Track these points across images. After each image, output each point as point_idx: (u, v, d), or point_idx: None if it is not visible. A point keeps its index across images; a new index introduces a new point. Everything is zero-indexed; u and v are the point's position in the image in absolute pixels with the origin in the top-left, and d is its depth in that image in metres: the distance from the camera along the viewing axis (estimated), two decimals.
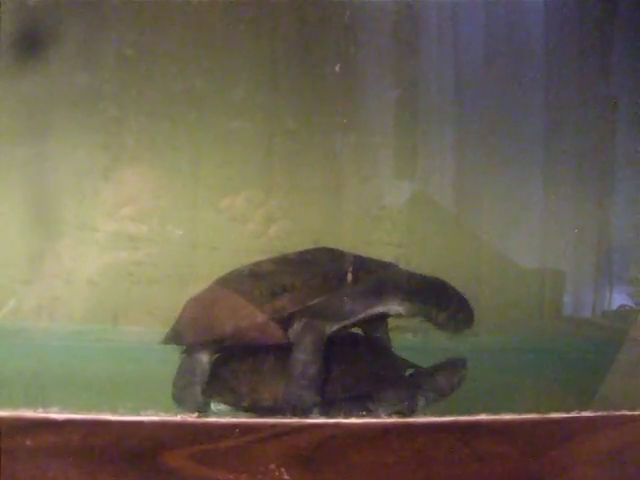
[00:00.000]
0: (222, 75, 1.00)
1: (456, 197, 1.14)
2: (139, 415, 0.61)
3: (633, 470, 0.71)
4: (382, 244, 0.98)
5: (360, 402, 0.77)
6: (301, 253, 0.82)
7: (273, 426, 0.61)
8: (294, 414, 0.71)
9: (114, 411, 0.61)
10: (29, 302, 0.99)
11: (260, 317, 0.75)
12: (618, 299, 1.17)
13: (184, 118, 0.98)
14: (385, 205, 1.06)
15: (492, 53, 1.14)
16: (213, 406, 0.77)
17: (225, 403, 0.77)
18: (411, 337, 0.92)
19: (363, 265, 0.80)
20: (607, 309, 1.18)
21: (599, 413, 0.70)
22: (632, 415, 0.71)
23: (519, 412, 0.67)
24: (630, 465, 0.70)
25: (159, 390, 0.80)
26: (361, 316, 0.77)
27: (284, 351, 0.75)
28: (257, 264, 0.81)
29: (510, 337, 1.03)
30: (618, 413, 0.71)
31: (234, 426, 0.61)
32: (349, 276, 0.78)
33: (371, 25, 1.03)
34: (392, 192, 1.10)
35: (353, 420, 0.63)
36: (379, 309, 0.78)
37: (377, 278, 0.79)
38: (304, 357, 0.73)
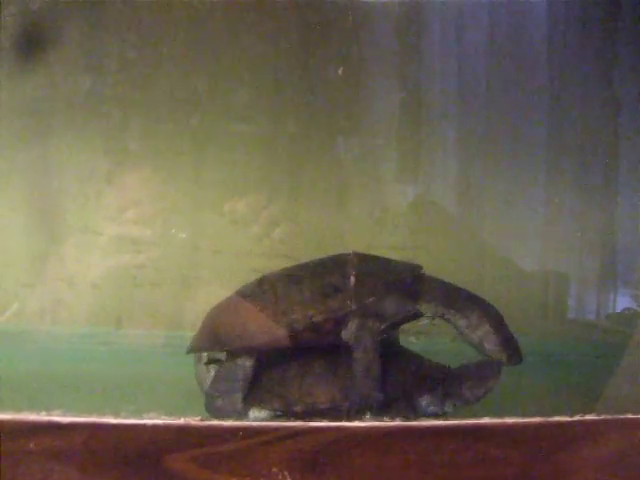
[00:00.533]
0: (225, 78, 1.00)
1: (459, 200, 1.13)
2: (141, 418, 0.61)
3: (637, 474, 0.70)
4: (385, 247, 0.98)
5: (409, 402, 0.78)
6: (334, 257, 0.82)
7: (276, 429, 0.61)
8: (359, 413, 0.71)
9: (117, 414, 0.61)
10: (33, 305, 0.99)
11: (314, 318, 0.75)
12: (622, 302, 1.17)
13: (187, 122, 0.98)
14: (388, 208, 1.06)
15: (495, 55, 1.14)
16: (252, 414, 0.76)
17: (272, 410, 0.76)
18: (414, 340, 0.93)
19: (398, 267, 0.82)
20: (611, 312, 1.18)
21: (603, 417, 0.70)
22: (636, 418, 0.71)
23: (523, 416, 0.67)
24: (634, 468, 0.70)
25: (162, 393, 0.80)
26: (404, 315, 0.80)
27: (334, 352, 0.76)
28: (289, 268, 0.82)
29: None
30: (622, 417, 0.71)
31: (237, 429, 0.60)
32: (392, 278, 0.79)
33: (374, 27, 1.03)
34: (395, 195, 1.10)
35: (356, 424, 0.63)
36: (417, 309, 0.80)
37: (414, 280, 0.81)
38: (366, 357, 0.74)
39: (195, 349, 0.80)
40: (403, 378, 0.79)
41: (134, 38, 0.96)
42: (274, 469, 0.61)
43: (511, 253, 1.13)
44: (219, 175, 1.02)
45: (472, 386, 0.79)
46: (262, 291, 0.79)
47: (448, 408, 0.79)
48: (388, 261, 0.83)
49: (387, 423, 0.64)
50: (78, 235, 1.00)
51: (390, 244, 1.01)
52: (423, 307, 0.80)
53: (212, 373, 0.80)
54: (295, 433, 0.61)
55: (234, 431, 0.60)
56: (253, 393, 0.77)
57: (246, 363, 0.77)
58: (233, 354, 0.78)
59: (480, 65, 1.14)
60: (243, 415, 0.76)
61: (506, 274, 1.10)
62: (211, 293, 0.91)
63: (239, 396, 0.76)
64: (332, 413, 0.73)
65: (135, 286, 0.98)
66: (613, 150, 1.17)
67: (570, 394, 0.92)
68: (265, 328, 0.76)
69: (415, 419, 0.70)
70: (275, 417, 0.76)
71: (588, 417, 0.70)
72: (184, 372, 0.82)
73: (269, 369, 0.79)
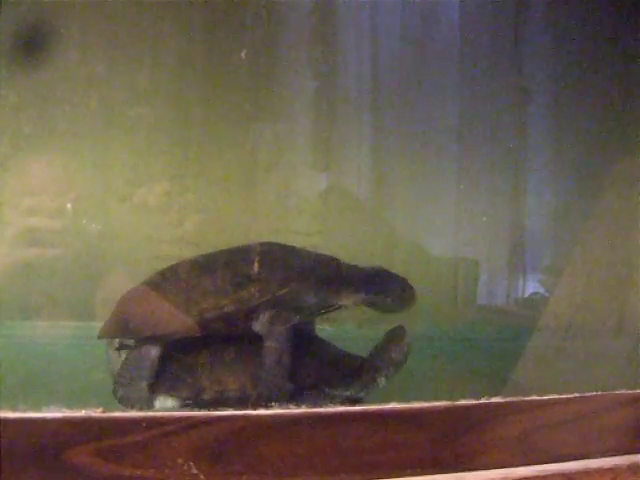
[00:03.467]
0: (128, 60, 0.98)
1: (368, 187, 1.14)
2: (41, 412, 0.59)
3: (542, 453, 0.72)
4: (289, 232, 0.98)
5: (321, 391, 0.78)
6: (247, 247, 0.81)
7: (180, 419, 0.60)
8: (269, 402, 0.70)
9: (14, 408, 0.59)
10: None
11: (226, 308, 0.75)
12: (530, 287, 1.19)
13: (86, 104, 0.95)
14: (295, 194, 1.06)
15: (408, 45, 1.15)
16: (159, 403, 0.75)
17: (180, 398, 0.76)
18: (327, 327, 0.93)
19: (314, 258, 0.82)
20: (519, 297, 1.21)
21: (509, 399, 0.71)
22: (541, 400, 0.73)
23: (429, 400, 0.68)
24: (538, 448, 0.72)
25: (64, 385, 0.77)
26: (320, 307, 0.80)
27: (243, 341, 0.76)
28: (204, 256, 0.81)
29: (424, 325, 1.04)
30: (528, 398, 0.73)
31: (140, 420, 0.59)
32: (308, 269, 0.79)
33: (284, 10, 1.03)
34: (303, 182, 1.09)
35: (262, 412, 0.62)
36: (335, 300, 0.80)
37: (332, 271, 0.81)
38: (277, 346, 0.74)
39: (104, 335, 0.79)
40: (318, 367, 0.80)
41: (33, 16, 0.92)
42: (179, 460, 0.59)
43: (421, 239, 1.14)
44: (122, 161, 1.00)
45: (397, 346, 0.81)
46: (174, 279, 0.78)
47: (381, 381, 0.80)
48: (303, 252, 0.82)
49: (293, 410, 0.64)
50: None
51: (295, 229, 1.00)
52: (344, 298, 0.81)
53: (122, 358, 0.78)
54: (200, 423, 0.60)
55: (137, 422, 0.59)
56: (161, 382, 0.76)
57: (152, 351, 0.76)
58: (141, 342, 0.77)
59: (392, 53, 1.15)
60: (149, 404, 0.75)
61: (416, 259, 1.11)
62: (116, 282, 0.89)
63: (145, 384, 0.75)
64: (241, 401, 0.73)
65: (36, 276, 0.95)
66: (521, 139, 1.19)
67: (478, 377, 0.94)
68: (175, 317, 0.76)
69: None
70: (183, 406, 0.75)
71: (494, 400, 0.71)
72: (88, 363, 0.80)
73: (178, 358, 0.78)
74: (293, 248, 0.82)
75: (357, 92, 1.13)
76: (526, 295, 1.20)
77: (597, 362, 0.96)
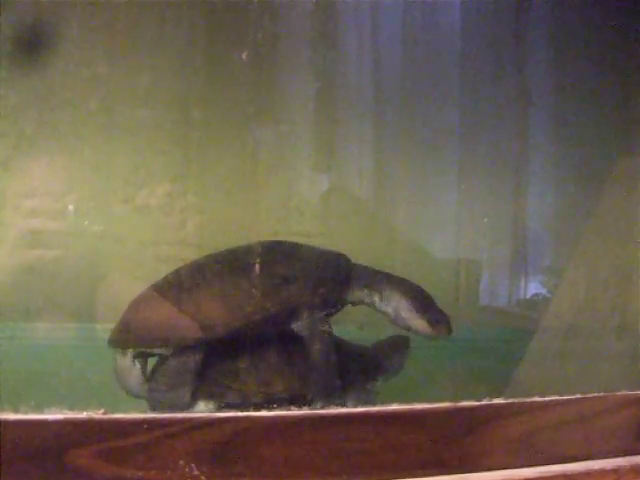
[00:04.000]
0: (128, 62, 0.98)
1: (371, 188, 1.14)
2: (42, 413, 0.58)
3: (544, 454, 0.72)
4: (291, 234, 0.98)
5: (362, 385, 0.81)
6: (270, 246, 0.81)
7: (182, 421, 0.60)
8: (322, 401, 0.72)
9: (16, 410, 0.58)
10: None
11: (271, 309, 0.75)
12: (532, 288, 1.19)
13: (88, 106, 0.95)
14: (296, 195, 1.06)
15: (409, 46, 1.15)
16: (198, 407, 0.75)
17: (225, 402, 0.76)
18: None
19: (331, 257, 0.82)
20: (521, 298, 1.21)
21: (510, 400, 0.71)
22: (543, 401, 0.73)
23: (431, 401, 0.68)
24: (540, 450, 0.72)
25: (66, 387, 0.77)
26: (344, 305, 0.81)
27: (283, 342, 0.77)
28: (223, 257, 0.80)
29: None
30: (529, 400, 0.73)
31: (141, 422, 0.59)
32: (333, 268, 0.81)
33: (284, 12, 1.03)
34: (305, 183, 1.10)
35: (264, 413, 0.62)
36: (354, 298, 0.81)
37: (352, 270, 0.82)
38: (323, 345, 0.76)
39: (129, 344, 0.77)
40: (351, 363, 0.82)
41: (32, 18, 0.92)
42: (181, 462, 0.59)
43: (422, 240, 1.14)
44: (124, 162, 1.00)
45: (399, 355, 0.83)
46: (203, 282, 0.77)
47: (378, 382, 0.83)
48: (318, 250, 0.82)
49: (295, 412, 0.64)
50: None
51: (297, 231, 1.00)
52: (355, 295, 0.81)
53: (138, 367, 0.78)
54: (201, 424, 0.60)
55: (139, 424, 0.59)
56: (200, 386, 0.76)
57: (195, 357, 0.75)
58: (181, 348, 0.76)
59: (395, 56, 1.15)
60: (189, 409, 0.75)
61: (417, 260, 1.11)
62: (118, 283, 0.89)
63: (187, 390, 0.75)
64: (291, 402, 0.72)
65: (38, 278, 0.95)
66: (523, 140, 1.19)
67: (480, 378, 0.93)
68: (217, 320, 0.74)
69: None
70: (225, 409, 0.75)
71: (496, 401, 0.71)
72: (90, 365, 0.80)
73: (215, 361, 0.77)
74: (304, 245, 0.83)
75: (359, 93, 1.13)
76: (528, 296, 1.20)
77: (599, 363, 0.96)
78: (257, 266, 0.77)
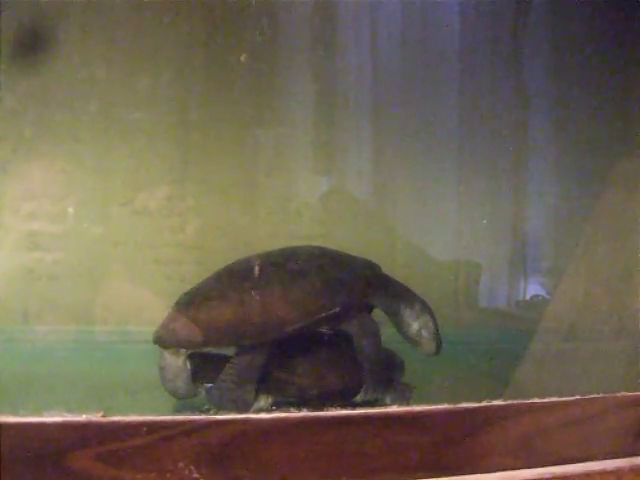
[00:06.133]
0: (127, 65, 0.98)
1: (370, 190, 1.14)
2: (41, 416, 0.58)
3: (544, 456, 0.72)
4: (290, 236, 0.98)
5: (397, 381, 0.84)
6: (306, 250, 0.84)
7: (181, 423, 0.60)
8: (379, 395, 0.79)
9: (15, 412, 0.58)
10: None
11: (329, 309, 0.78)
12: (531, 289, 1.19)
13: (86, 108, 0.95)
14: (295, 198, 1.06)
15: (408, 49, 1.15)
16: (257, 403, 0.77)
17: (285, 397, 0.78)
18: None
19: (364, 262, 0.85)
20: (521, 299, 1.21)
21: (510, 402, 0.71)
22: (542, 402, 0.73)
23: (431, 403, 0.68)
24: (540, 452, 0.71)
25: (64, 390, 0.77)
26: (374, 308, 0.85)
27: (333, 340, 0.81)
28: (274, 257, 0.81)
29: None
30: (529, 401, 0.73)
31: (141, 424, 0.59)
32: (373, 272, 0.84)
33: (283, 15, 1.03)
34: (304, 186, 1.10)
35: (263, 415, 0.62)
36: (382, 303, 0.85)
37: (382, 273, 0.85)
38: (376, 345, 0.80)
39: (193, 344, 0.77)
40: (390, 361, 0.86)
41: (31, 20, 0.93)
42: (180, 464, 0.59)
43: (422, 242, 1.14)
44: (123, 165, 1.00)
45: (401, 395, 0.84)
46: (266, 282, 0.78)
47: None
48: (351, 256, 0.86)
49: (294, 414, 0.64)
50: None
51: (296, 233, 1.01)
52: (383, 300, 0.84)
53: (188, 366, 0.78)
54: (201, 426, 0.60)
55: (138, 426, 0.59)
56: (265, 383, 0.78)
57: (261, 356, 0.77)
58: (246, 347, 0.77)
59: (394, 59, 1.15)
60: (251, 405, 0.76)
61: (417, 262, 1.11)
62: (117, 286, 0.89)
63: (252, 387, 0.76)
64: (346, 395, 0.79)
65: (36, 281, 0.95)
66: (522, 141, 1.19)
67: (479, 380, 0.93)
68: (285, 319, 0.76)
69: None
70: (282, 404, 0.77)
71: (495, 403, 0.71)
72: (89, 367, 0.80)
73: (272, 357, 0.78)
74: (339, 251, 0.86)
75: (358, 96, 1.13)
76: (527, 297, 1.20)
77: (598, 364, 0.96)
78: (315, 269, 0.80)
